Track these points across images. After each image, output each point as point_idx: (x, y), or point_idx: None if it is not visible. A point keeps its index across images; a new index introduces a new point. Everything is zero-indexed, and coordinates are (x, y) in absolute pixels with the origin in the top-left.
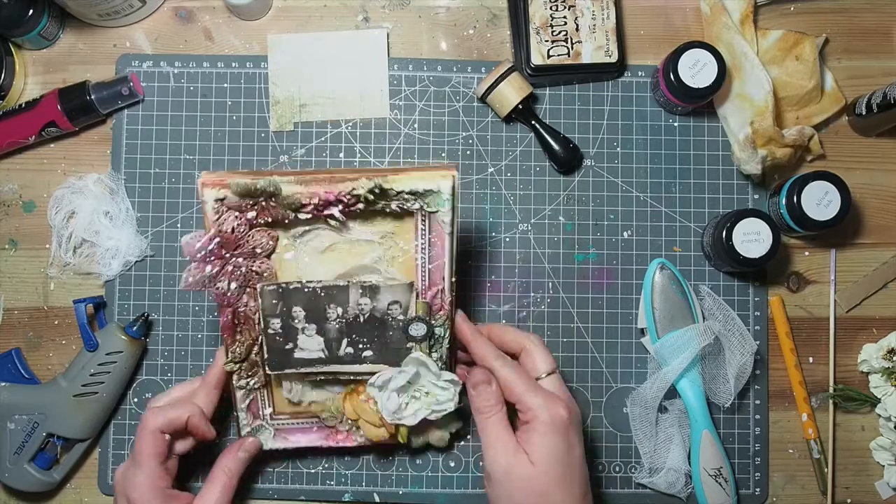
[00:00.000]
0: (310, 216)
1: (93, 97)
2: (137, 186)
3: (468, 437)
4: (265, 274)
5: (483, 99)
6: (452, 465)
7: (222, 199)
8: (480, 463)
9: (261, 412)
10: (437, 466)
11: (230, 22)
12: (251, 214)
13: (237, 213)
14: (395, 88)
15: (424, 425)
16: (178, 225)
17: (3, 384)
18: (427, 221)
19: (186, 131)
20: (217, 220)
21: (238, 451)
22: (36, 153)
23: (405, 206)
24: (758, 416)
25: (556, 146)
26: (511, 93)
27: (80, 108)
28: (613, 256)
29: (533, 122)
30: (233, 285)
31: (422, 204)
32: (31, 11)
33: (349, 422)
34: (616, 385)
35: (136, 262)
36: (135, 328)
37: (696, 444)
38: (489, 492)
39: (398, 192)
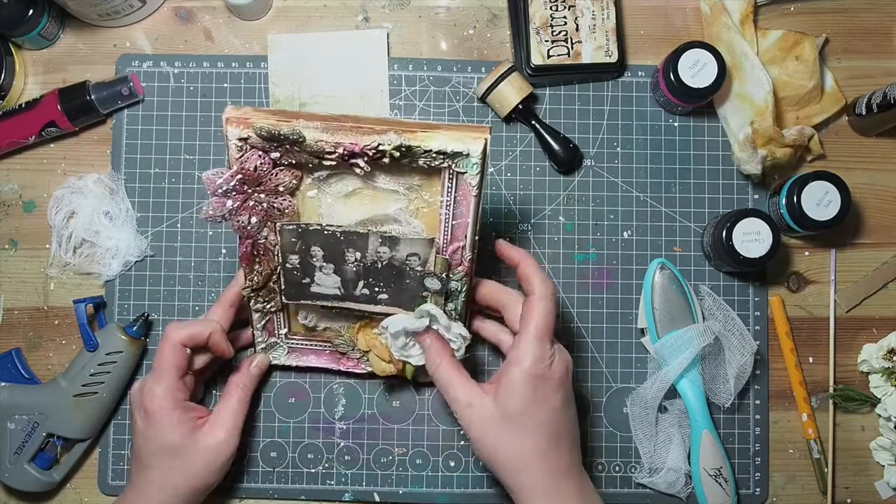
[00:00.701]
0: (334, 163)
1: (93, 97)
2: (137, 186)
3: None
4: (287, 211)
5: (483, 99)
6: (452, 464)
7: (246, 139)
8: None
9: (276, 331)
10: (437, 466)
11: (230, 22)
12: (275, 155)
13: (261, 153)
14: (395, 88)
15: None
16: (178, 225)
17: (3, 384)
18: (454, 180)
19: (186, 131)
20: (240, 157)
21: (250, 367)
22: (36, 153)
23: (432, 164)
24: (758, 416)
25: (556, 146)
26: (511, 93)
27: (80, 108)
28: (613, 256)
29: (533, 122)
30: (253, 219)
31: (450, 163)
32: (31, 11)
33: (360, 351)
34: (616, 385)
35: (136, 262)
36: (135, 328)
37: (696, 444)
38: (462, 427)
39: (426, 151)
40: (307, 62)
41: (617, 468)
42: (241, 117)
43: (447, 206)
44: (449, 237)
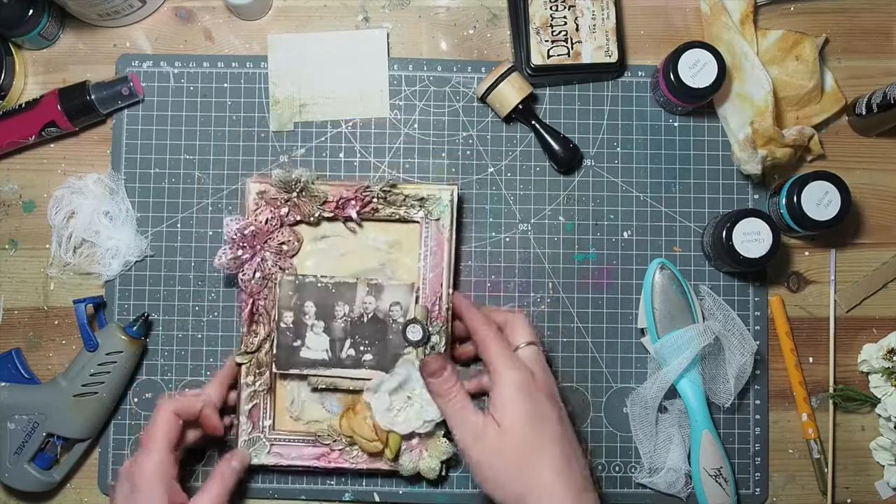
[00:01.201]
0: (332, 214)
1: (93, 97)
2: (137, 186)
3: (459, 468)
4: (287, 272)
5: (483, 99)
6: (453, 465)
7: (263, 192)
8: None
9: (260, 423)
10: None
11: (230, 22)
12: (284, 210)
13: (272, 209)
14: (395, 88)
15: (416, 456)
16: (178, 225)
17: (3, 384)
18: (430, 229)
19: (186, 131)
20: (255, 210)
21: (232, 462)
22: (36, 153)
23: (410, 213)
24: (758, 416)
25: (556, 146)
26: (511, 93)
27: (80, 108)
28: (613, 256)
29: (533, 122)
30: (257, 275)
31: (426, 212)
32: (31, 11)
33: (344, 440)
34: (616, 385)
35: (136, 262)
36: (135, 328)
37: (696, 444)
38: (470, 467)
39: (406, 196)
40: (307, 62)
41: (617, 468)
42: (261, 179)
43: (424, 257)
44: (427, 290)
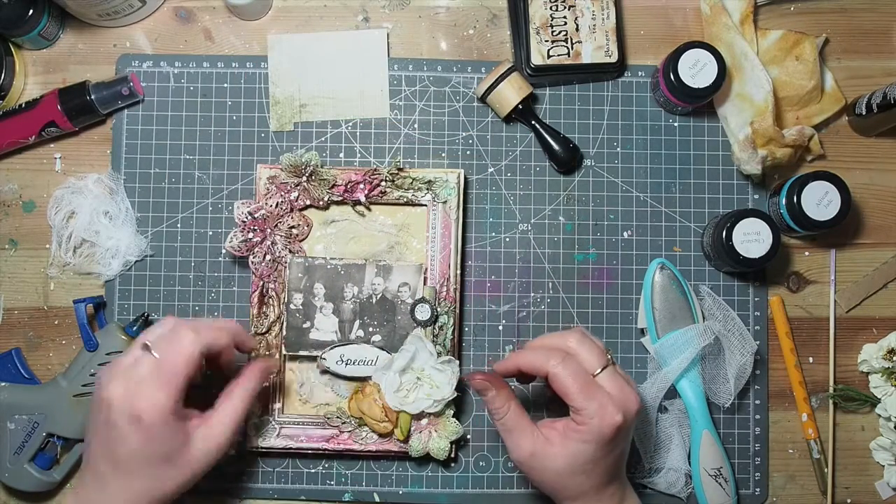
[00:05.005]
0: (340, 198)
1: (93, 97)
2: (137, 186)
3: (468, 438)
4: (297, 255)
5: (483, 99)
6: (453, 464)
7: (274, 177)
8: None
9: (271, 405)
10: (437, 466)
11: (230, 22)
12: (294, 195)
13: (282, 193)
14: (395, 88)
15: (426, 437)
16: (178, 225)
17: (3, 384)
18: (437, 213)
19: (186, 131)
20: (265, 194)
21: (260, 371)
22: (36, 153)
23: (417, 196)
24: (758, 416)
25: (556, 146)
26: (511, 93)
27: (80, 108)
28: (613, 256)
29: (533, 122)
30: (267, 258)
31: (433, 194)
32: (31, 11)
33: (353, 421)
34: None
35: (136, 262)
36: (135, 328)
37: (696, 444)
38: (525, 472)
39: (413, 179)
40: (307, 62)
41: None
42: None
43: (431, 239)
44: (436, 271)
